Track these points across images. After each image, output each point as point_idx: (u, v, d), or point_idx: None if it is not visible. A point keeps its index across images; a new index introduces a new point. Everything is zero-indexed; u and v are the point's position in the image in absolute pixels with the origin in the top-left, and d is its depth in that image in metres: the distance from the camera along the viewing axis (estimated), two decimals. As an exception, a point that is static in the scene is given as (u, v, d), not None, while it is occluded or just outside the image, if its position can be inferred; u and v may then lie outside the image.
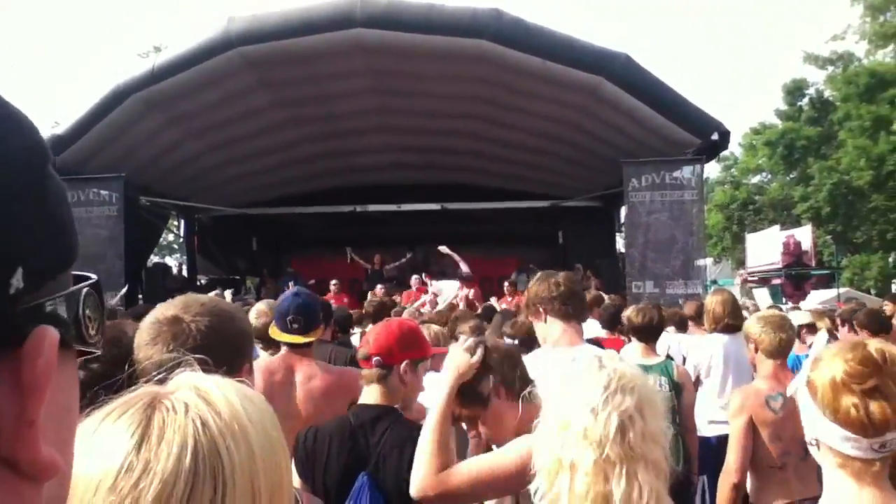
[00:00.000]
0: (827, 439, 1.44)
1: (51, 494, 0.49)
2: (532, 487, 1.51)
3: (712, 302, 4.89)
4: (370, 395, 2.38)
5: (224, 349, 1.54)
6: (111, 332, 1.88)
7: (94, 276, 0.54)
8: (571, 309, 2.94)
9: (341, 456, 2.28)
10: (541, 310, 2.97)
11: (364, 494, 2.20)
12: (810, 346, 6.10)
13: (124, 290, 10.71)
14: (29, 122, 0.47)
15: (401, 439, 2.27)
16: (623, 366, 1.56)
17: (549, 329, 2.96)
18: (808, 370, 1.51)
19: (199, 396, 0.70)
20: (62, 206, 0.49)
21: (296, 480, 3.44)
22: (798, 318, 6.91)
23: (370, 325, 5.80)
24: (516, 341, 4.38)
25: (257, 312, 3.93)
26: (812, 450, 1.52)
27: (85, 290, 0.51)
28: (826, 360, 1.46)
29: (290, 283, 13.96)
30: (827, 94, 32.61)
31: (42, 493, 0.48)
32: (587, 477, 1.42)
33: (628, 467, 1.42)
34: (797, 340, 5.38)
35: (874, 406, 1.36)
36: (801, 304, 13.36)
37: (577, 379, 1.55)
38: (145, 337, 1.59)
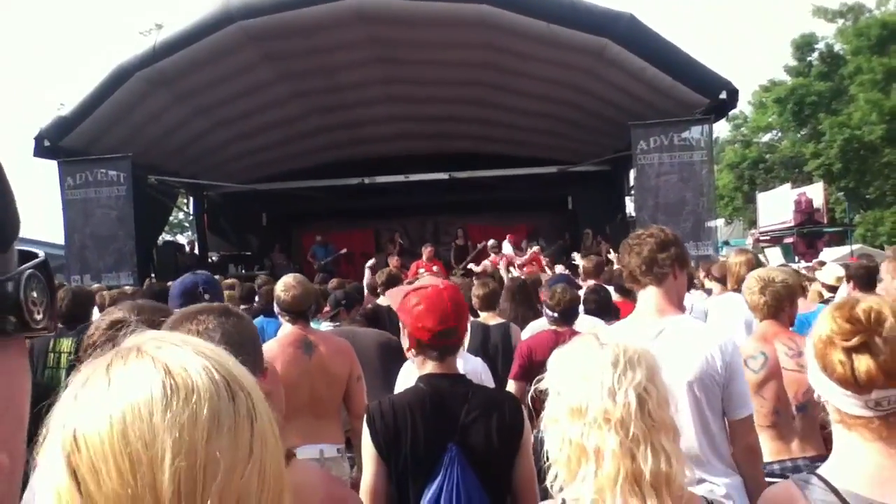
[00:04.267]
0: (827, 395, 1.47)
1: None
2: (549, 481, 1.50)
3: (736, 263, 4.92)
4: (432, 364, 2.34)
5: (253, 353, 1.52)
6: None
7: (41, 254, 0.49)
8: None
9: (426, 425, 2.21)
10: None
11: (455, 466, 2.15)
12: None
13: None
14: None
15: (486, 406, 2.23)
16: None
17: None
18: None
19: (185, 342, 0.67)
20: None
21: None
22: (827, 275, 6.89)
23: (382, 296, 5.86)
24: (555, 314, 4.35)
25: (285, 286, 3.86)
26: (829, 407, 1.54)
27: (28, 272, 0.46)
28: (819, 318, 1.48)
29: (321, 253, 14.20)
30: (837, 47, 32.05)
31: None
32: (615, 459, 1.40)
33: (653, 440, 1.42)
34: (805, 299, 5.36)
35: (859, 363, 1.38)
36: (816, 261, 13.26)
37: (581, 361, 1.51)
38: None
